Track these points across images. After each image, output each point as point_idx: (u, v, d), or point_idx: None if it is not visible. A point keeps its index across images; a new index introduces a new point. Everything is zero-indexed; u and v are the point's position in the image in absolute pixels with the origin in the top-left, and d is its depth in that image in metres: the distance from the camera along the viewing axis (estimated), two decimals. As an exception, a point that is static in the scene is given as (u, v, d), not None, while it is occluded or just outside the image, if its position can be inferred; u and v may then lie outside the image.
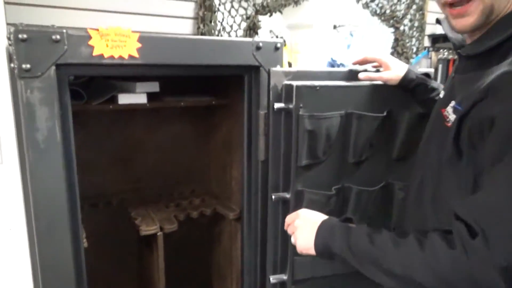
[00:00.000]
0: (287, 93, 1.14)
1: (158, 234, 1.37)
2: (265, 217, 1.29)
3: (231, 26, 1.89)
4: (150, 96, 1.38)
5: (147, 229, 1.36)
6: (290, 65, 5.58)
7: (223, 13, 1.89)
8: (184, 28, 1.77)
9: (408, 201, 0.90)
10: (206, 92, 1.58)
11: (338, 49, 5.36)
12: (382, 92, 1.16)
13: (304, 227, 0.85)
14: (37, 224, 1.01)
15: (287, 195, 1.19)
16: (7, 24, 1.28)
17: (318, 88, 1.10)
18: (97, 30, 0.98)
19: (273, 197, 1.19)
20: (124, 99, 1.30)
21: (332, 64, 5.46)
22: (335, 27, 5.59)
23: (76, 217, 1.07)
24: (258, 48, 1.21)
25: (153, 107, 1.38)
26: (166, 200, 1.64)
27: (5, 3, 1.39)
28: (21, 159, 1.05)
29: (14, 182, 1.07)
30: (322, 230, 0.81)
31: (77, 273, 1.07)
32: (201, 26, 1.77)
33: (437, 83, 1.12)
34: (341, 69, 1.25)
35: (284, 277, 1.24)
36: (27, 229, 1.18)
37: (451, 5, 0.68)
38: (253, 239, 1.37)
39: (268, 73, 1.17)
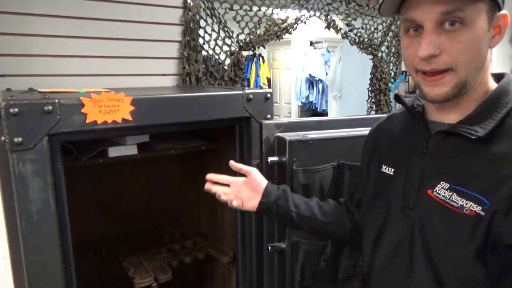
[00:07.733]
0: (279, 146, 1.16)
1: (153, 285, 1.35)
2: (260, 264, 1.30)
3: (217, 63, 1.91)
4: (140, 144, 1.37)
5: (141, 282, 1.34)
6: (269, 80, 5.65)
7: (207, 51, 1.90)
8: (169, 68, 1.77)
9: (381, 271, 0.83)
10: (196, 134, 1.58)
11: (316, 65, 5.47)
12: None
13: None
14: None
15: (283, 245, 1.21)
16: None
17: (310, 142, 1.13)
18: (90, 98, 0.97)
19: (269, 247, 1.20)
20: (114, 152, 1.29)
21: (311, 80, 5.57)
22: (312, 43, 5.71)
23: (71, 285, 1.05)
24: (248, 100, 1.23)
25: (143, 157, 1.36)
26: (157, 244, 1.62)
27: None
28: (12, 229, 1.02)
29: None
30: None
31: None
32: (186, 66, 1.78)
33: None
34: (330, 118, 1.28)
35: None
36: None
37: (425, 73, 0.67)
38: (248, 285, 1.37)
39: (260, 126, 1.19)
